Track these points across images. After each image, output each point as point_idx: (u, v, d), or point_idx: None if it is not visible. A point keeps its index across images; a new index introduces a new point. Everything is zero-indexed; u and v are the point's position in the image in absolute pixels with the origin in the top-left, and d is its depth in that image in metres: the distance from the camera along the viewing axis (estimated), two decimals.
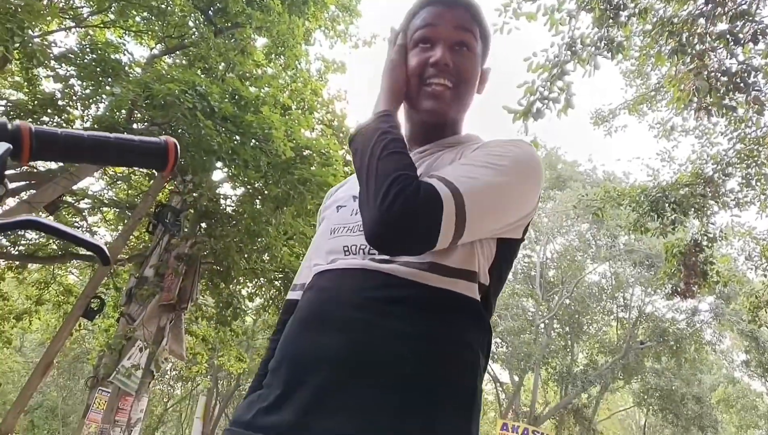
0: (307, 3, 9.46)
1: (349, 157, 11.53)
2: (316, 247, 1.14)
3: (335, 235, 1.08)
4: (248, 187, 9.08)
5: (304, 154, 8.27)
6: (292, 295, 1.22)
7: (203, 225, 10.35)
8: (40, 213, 9.56)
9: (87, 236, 0.59)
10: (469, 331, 0.98)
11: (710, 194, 9.05)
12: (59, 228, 0.58)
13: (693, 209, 8.91)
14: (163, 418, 24.32)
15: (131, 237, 10.77)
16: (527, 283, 23.30)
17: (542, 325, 22.17)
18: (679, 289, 9.58)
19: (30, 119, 7.76)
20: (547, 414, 22.77)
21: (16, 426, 10.96)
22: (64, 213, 10.27)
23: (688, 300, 10.74)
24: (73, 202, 10.10)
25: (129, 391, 9.24)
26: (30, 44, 6.33)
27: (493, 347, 23.00)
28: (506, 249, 1.07)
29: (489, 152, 1.02)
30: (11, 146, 0.50)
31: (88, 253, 0.53)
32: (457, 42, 1.12)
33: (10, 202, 8.05)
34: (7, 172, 0.51)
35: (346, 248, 1.04)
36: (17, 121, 0.52)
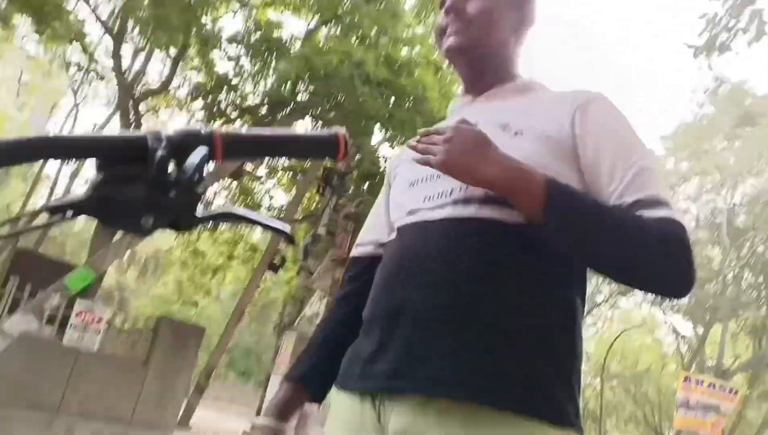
0: None
1: None
2: (395, 202, 1.12)
3: (413, 187, 1.07)
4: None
5: None
6: (358, 250, 1.22)
7: (366, 185, 10.82)
8: (227, 179, 10.65)
9: (274, 221, 0.65)
10: (562, 270, 0.96)
11: None
12: (251, 217, 0.64)
13: None
14: None
15: (304, 199, 11.60)
16: (712, 230, 21.21)
17: (731, 275, 20.16)
18: None
19: (209, 98, 8.65)
20: (737, 368, 20.95)
21: (219, 363, 12.62)
22: (245, 180, 11.36)
23: None
24: (252, 169, 11.10)
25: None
26: (204, 30, 6.99)
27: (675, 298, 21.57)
28: None
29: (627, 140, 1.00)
30: (208, 149, 0.57)
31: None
32: None
33: None
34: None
35: (427, 197, 1.02)
36: (209, 127, 0.60)
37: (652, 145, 23.84)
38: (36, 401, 7.15)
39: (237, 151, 0.60)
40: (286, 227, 0.66)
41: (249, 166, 10.90)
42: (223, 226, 13.34)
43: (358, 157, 10.33)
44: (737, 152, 20.69)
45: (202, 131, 0.57)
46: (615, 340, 22.21)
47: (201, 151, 0.55)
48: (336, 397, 1.03)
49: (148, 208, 0.54)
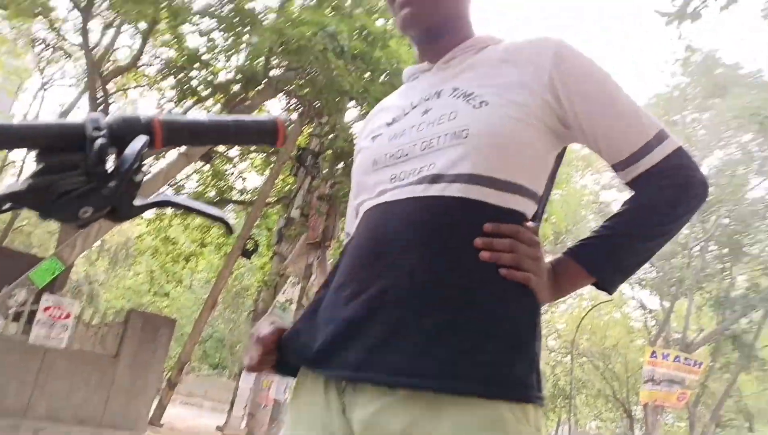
0: None
1: None
2: (359, 184, 1.10)
3: (378, 167, 1.05)
4: None
5: None
6: (346, 240, 1.19)
7: (342, 164, 10.68)
8: (198, 161, 10.37)
9: (213, 209, 0.66)
10: None
11: None
12: (189, 205, 0.65)
13: None
14: None
15: (277, 180, 11.40)
16: None
17: (697, 248, 20.68)
18: None
19: (181, 74, 8.37)
20: (701, 341, 21.58)
21: (192, 356, 12.38)
22: (217, 162, 11.08)
23: None
24: (224, 151, 10.83)
25: (286, 323, 9.99)
26: (174, 2, 6.73)
27: (641, 272, 21.89)
28: (562, 154, 1.09)
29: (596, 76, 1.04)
30: (148, 138, 0.57)
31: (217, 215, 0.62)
32: None
33: (172, 154, 8.79)
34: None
35: (393, 177, 1.01)
36: (149, 114, 0.59)
37: None
38: (1, 405, 6.87)
39: (177, 138, 0.61)
40: (225, 215, 0.67)
41: (220, 148, 10.65)
42: None
43: (332, 135, 10.17)
44: (706, 124, 21.14)
45: (142, 118, 0.58)
46: (584, 316, 22.63)
47: (141, 140, 0.56)
48: (302, 377, 1.03)
49: (86, 199, 0.54)
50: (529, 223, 0.99)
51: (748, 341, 20.44)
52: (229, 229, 0.69)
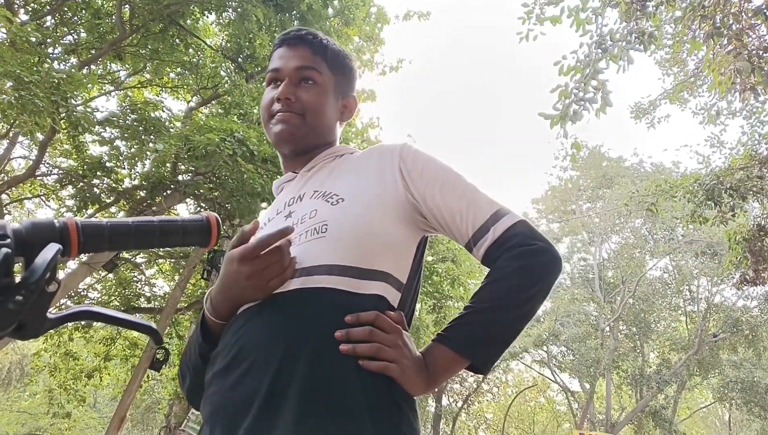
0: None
1: None
2: None
3: None
4: None
5: None
6: None
7: None
8: (100, 271, 9.89)
9: (139, 319, 0.61)
10: None
11: None
12: (113, 315, 0.60)
13: (751, 193, 8.53)
14: None
15: (188, 285, 11.02)
16: (586, 286, 22.67)
17: (607, 328, 21.47)
18: (748, 277, 9.15)
19: (81, 183, 8.12)
20: (624, 420, 21.92)
21: None
22: (123, 269, 10.61)
23: (759, 287, 10.25)
24: (130, 257, 10.42)
25: None
26: (74, 113, 6.62)
27: (559, 356, 22.19)
28: (424, 244, 1.15)
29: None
30: (61, 247, 0.51)
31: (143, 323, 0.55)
32: (301, 78, 1.22)
33: (71, 264, 8.37)
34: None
35: None
36: (63, 218, 0.53)
37: (526, 208, 25.70)
38: None
39: (95, 244, 0.55)
40: (152, 324, 0.62)
41: (125, 255, 10.24)
42: (98, 324, 12.29)
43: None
44: (599, 212, 22.61)
45: (56, 223, 0.52)
46: (511, 403, 22.61)
47: (53, 248, 0.49)
48: None
49: None
50: (391, 313, 0.99)
51: (667, 417, 20.96)
52: (158, 338, 0.65)
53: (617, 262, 21.77)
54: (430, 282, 11.75)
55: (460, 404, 23.36)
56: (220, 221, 0.61)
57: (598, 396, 23.19)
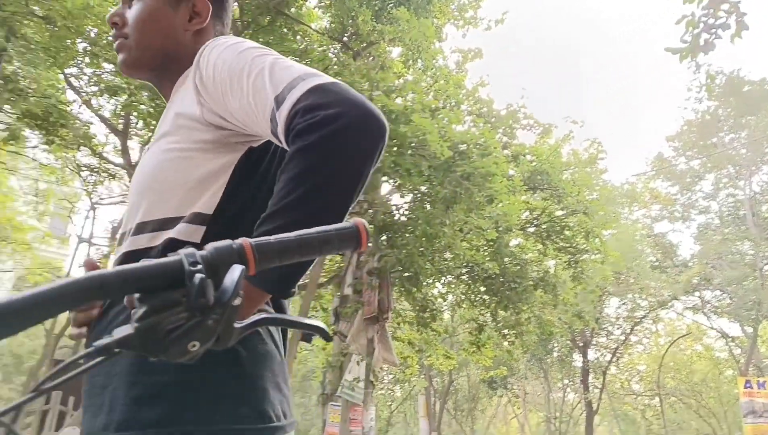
0: (431, 2, 9.57)
1: (506, 139, 11.46)
2: None
3: None
4: (415, 192, 9.39)
5: (461, 149, 8.36)
6: None
7: (384, 237, 10.87)
8: None
9: (309, 320, 0.69)
10: None
11: None
12: (288, 319, 0.68)
13: None
14: (390, 420, 25.80)
15: (325, 260, 11.66)
16: (737, 224, 20.83)
17: (767, 268, 19.65)
18: None
19: None
20: None
21: None
22: None
23: None
24: None
25: (356, 401, 9.90)
26: None
27: (714, 301, 20.68)
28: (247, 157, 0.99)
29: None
30: (244, 267, 0.59)
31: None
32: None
33: None
34: None
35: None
36: (239, 241, 0.60)
37: (661, 148, 23.92)
38: None
39: (267, 261, 0.60)
40: (321, 324, 0.68)
41: None
42: None
43: (371, 211, 10.44)
44: (745, 142, 20.56)
45: (233, 245, 0.58)
46: (664, 353, 21.54)
47: (237, 270, 0.57)
48: None
49: (192, 333, 0.55)
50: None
51: None
52: (326, 335, 0.69)
53: None
54: (562, 237, 11.47)
55: (609, 358, 22.68)
56: (367, 225, 0.65)
57: (763, 340, 21.43)
